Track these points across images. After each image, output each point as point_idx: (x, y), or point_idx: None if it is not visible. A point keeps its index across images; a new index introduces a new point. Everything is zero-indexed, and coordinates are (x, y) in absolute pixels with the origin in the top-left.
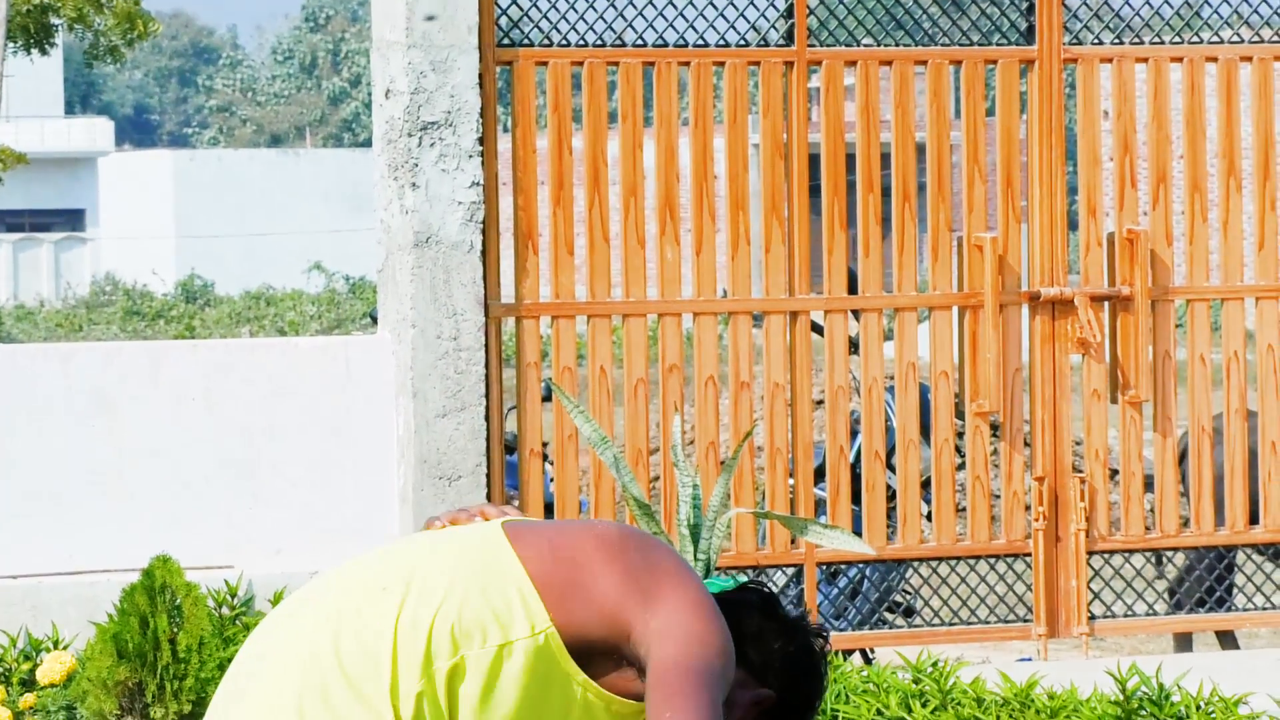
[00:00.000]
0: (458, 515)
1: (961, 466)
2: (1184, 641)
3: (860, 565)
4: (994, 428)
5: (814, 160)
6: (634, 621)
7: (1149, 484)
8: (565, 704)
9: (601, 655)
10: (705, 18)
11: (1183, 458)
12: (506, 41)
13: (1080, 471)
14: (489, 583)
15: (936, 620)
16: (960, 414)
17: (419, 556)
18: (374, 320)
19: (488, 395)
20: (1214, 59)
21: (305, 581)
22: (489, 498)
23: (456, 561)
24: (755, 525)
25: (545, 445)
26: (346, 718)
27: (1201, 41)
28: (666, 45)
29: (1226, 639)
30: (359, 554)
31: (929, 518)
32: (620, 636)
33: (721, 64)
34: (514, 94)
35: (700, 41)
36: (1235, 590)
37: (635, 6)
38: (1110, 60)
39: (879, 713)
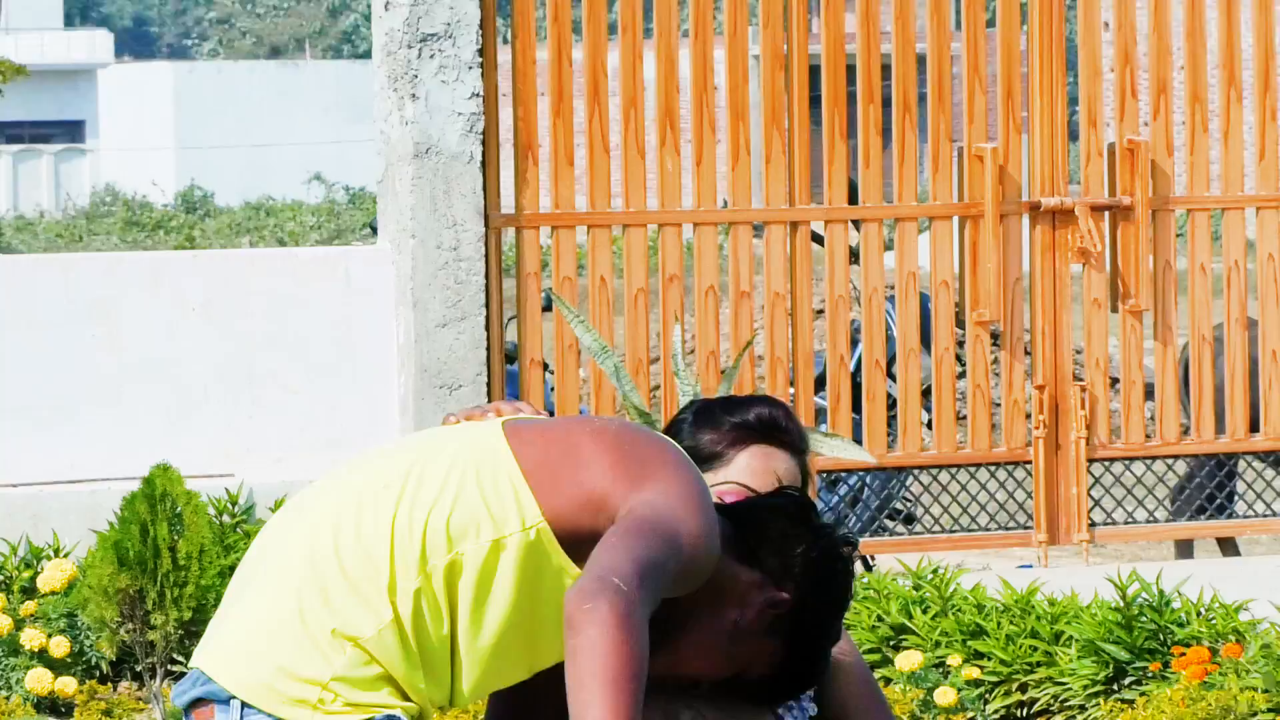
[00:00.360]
0: (472, 413)
1: (962, 375)
2: (1185, 548)
3: (861, 473)
4: (994, 337)
5: (814, 71)
6: (619, 506)
7: (1149, 392)
8: (560, 596)
9: (592, 545)
10: None
11: (1185, 370)
12: None
13: (1081, 380)
14: (484, 479)
15: (937, 527)
16: (961, 323)
17: (420, 453)
18: (374, 231)
19: (488, 305)
20: None
21: (305, 488)
22: None
23: (454, 458)
24: None
25: (547, 367)
26: (346, 616)
27: None
28: None
29: (1227, 546)
30: (366, 450)
31: (929, 426)
32: (608, 523)
33: None
34: (514, 5)
35: None
36: (1236, 497)
37: None
38: None
39: (879, 619)
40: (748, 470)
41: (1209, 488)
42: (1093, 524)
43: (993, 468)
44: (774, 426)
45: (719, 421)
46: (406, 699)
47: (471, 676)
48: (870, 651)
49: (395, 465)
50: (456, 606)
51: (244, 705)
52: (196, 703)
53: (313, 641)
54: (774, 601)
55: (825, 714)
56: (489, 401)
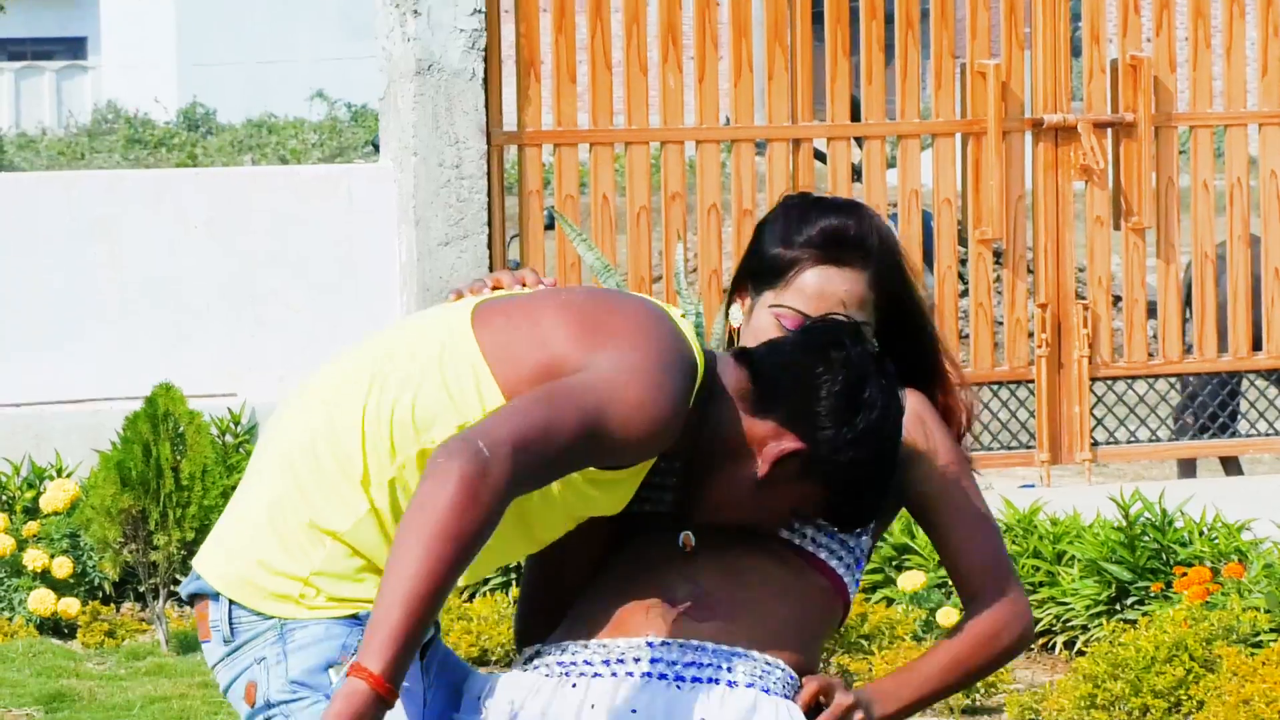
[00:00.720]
0: (475, 285)
1: (964, 294)
2: (1187, 467)
3: None
4: (997, 255)
5: None
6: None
7: (1152, 310)
8: None
9: None
10: None
11: (1188, 291)
12: None
13: (1083, 298)
14: (446, 366)
15: None
16: (963, 241)
17: (391, 344)
18: (376, 149)
19: (490, 223)
20: None
21: None
22: None
23: (421, 347)
24: None
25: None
26: (322, 510)
27: None
28: None
29: (1230, 465)
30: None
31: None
32: None
33: None
34: None
35: None
36: (1239, 416)
37: None
38: None
39: (882, 539)
40: (803, 294)
41: (1211, 406)
42: (1095, 443)
43: (995, 387)
44: (838, 243)
45: (790, 233)
46: None
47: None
48: (873, 572)
49: (366, 358)
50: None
51: (231, 601)
52: (195, 597)
53: (292, 537)
54: (782, 453)
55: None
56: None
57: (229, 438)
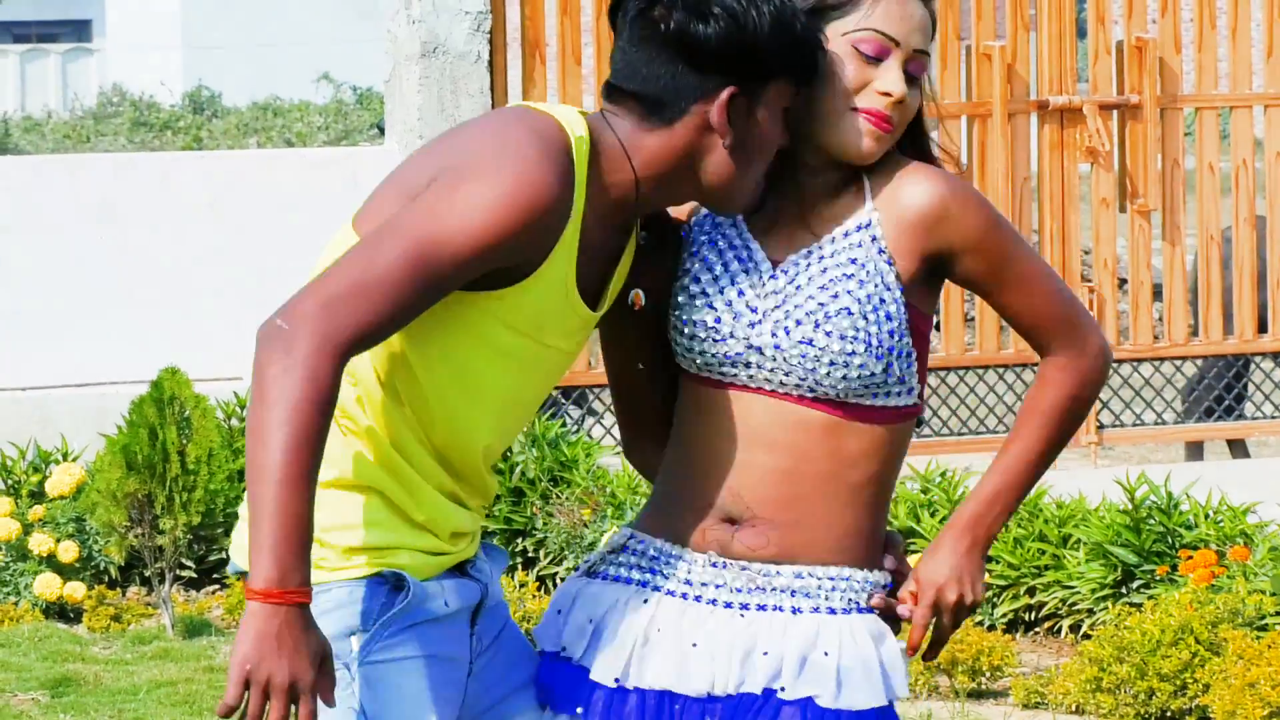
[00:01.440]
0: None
1: None
2: (1194, 450)
3: None
4: None
5: None
6: None
7: (1157, 293)
8: (454, 314)
9: None
10: None
11: (1194, 270)
12: None
13: (1089, 281)
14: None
15: (945, 430)
16: None
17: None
18: (381, 132)
19: None
20: None
21: None
22: None
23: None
24: None
25: None
26: None
27: None
28: None
29: (1236, 447)
30: None
31: (937, 328)
32: None
33: None
34: None
35: None
36: (1245, 399)
37: None
38: None
39: (888, 523)
40: (888, 14)
41: (1217, 389)
42: (1101, 426)
43: (1001, 369)
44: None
45: None
46: (420, 530)
47: (467, 439)
48: None
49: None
50: (380, 388)
51: None
52: (241, 574)
53: None
54: (722, 106)
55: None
56: None
57: (235, 421)
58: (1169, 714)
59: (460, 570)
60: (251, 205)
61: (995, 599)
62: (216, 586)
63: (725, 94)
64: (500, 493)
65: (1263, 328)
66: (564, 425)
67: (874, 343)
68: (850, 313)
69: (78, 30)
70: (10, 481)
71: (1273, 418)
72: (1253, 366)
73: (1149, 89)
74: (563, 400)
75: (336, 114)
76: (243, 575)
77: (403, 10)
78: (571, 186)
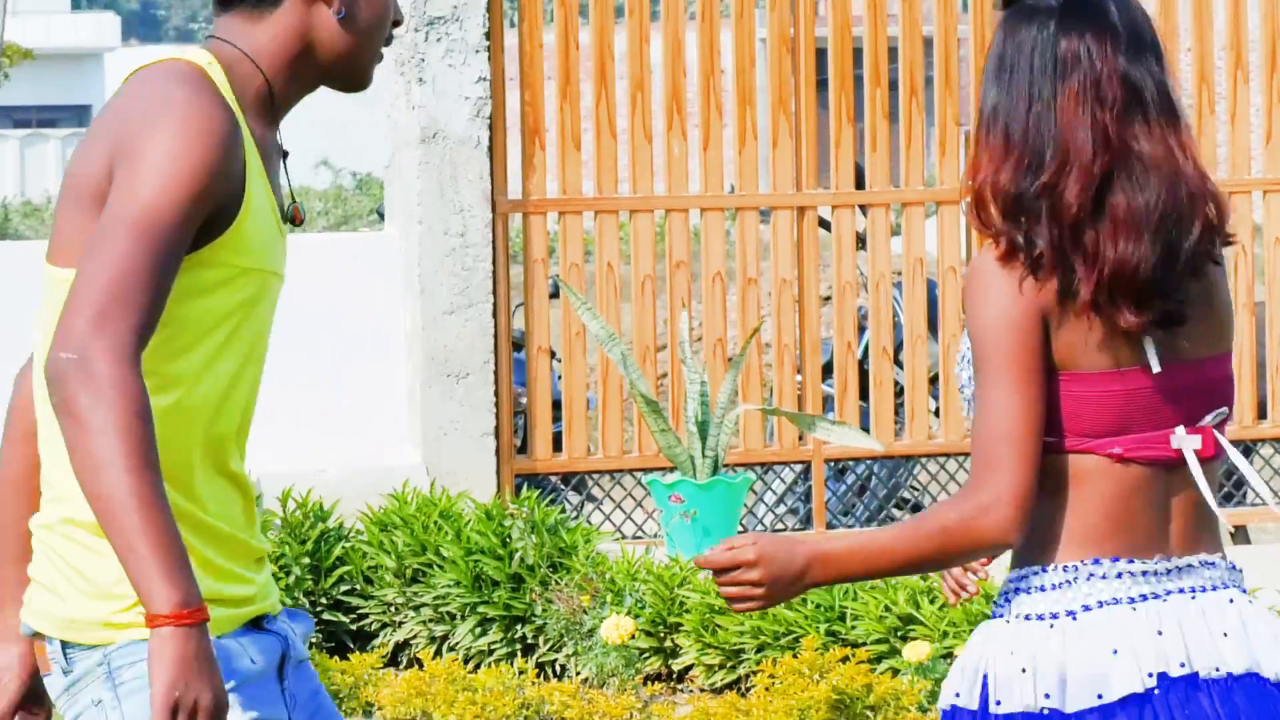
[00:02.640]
0: None
1: None
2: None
3: (868, 461)
4: None
5: (821, 54)
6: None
7: None
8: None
9: None
10: None
11: None
12: None
13: None
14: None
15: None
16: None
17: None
18: (381, 217)
19: (495, 292)
20: None
21: (312, 480)
22: (497, 395)
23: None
24: (763, 422)
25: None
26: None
27: None
28: None
29: (1237, 533)
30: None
31: (937, 414)
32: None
33: None
34: None
35: None
36: (1245, 485)
37: None
38: None
39: (887, 609)
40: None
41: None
42: None
43: None
44: None
45: None
46: (221, 569)
47: (233, 399)
48: (878, 642)
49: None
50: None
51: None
52: (34, 634)
53: (67, 547)
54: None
55: None
56: (495, 389)
57: None
58: None
59: (255, 625)
60: None
61: None
62: None
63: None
64: (500, 579)
65: (1263, 414)
66: (563, 511)
67: None
68: None
69: (78, 115)
70: None
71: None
72: (1253, 453)
73: None
74: (562, 486)
75: (336, 199)
76: (37, 635)
77: (403, 96)
78: (229, 107)
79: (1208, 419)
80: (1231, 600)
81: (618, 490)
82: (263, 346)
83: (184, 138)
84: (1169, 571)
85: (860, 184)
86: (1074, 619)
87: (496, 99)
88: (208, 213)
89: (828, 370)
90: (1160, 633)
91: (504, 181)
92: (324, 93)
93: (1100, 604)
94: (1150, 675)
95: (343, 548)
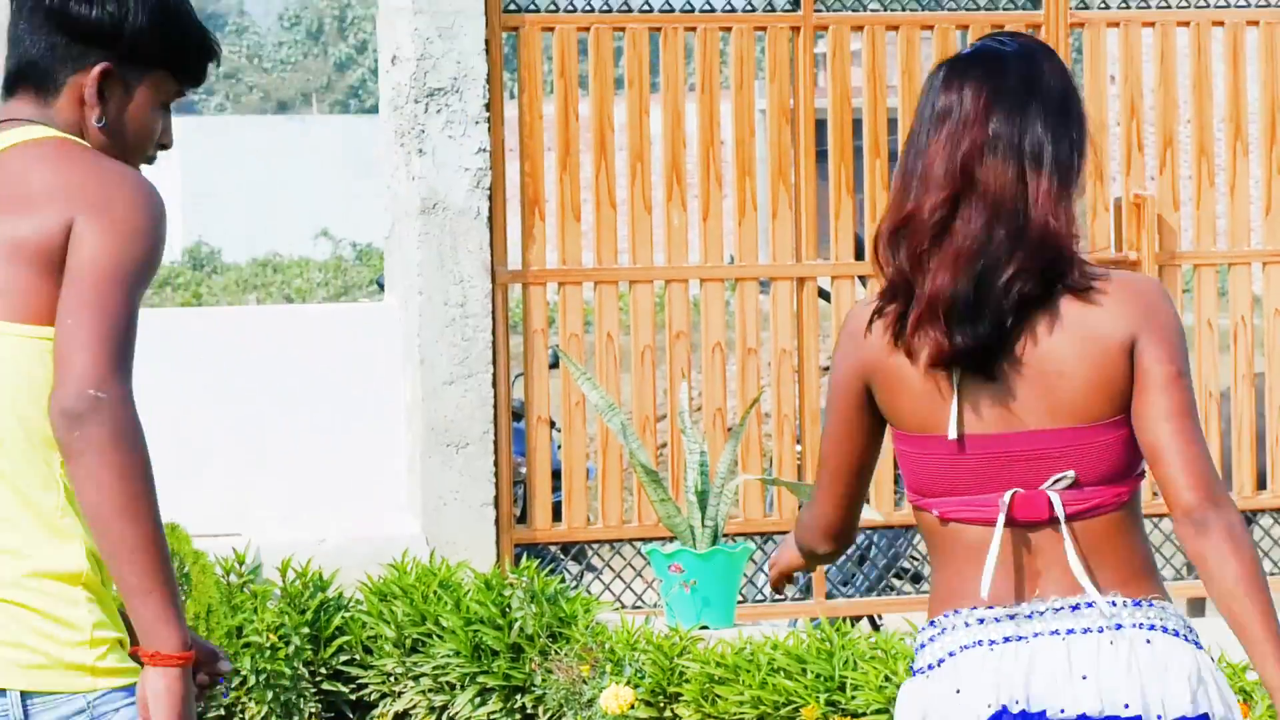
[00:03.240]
0: None
1: None
2: (1196, 607)
3: (867, 531)
4: None
5: (820, 125)
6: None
7: None
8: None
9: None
10: None
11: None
12: (513, 7)
13: None
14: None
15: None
16: None
17: None
18: (381, 287)
19: (495, 362)
20: (1220, 23)
21: (312, 549)
22: (496, 464)
23: None
24: (763, 492)
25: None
26: (52, 559)
27: (1208, 6)
28: (673, 10)
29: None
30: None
31: None
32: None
33: (728, 29)
34: (520, 60)
35: (707, 6)
36: None
37: None
38: (1116, 24)
39: (886, 679)
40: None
41: None
42: None
43: None
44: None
45: None
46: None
47: None
48: (879, 712)
49: None
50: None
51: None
52: None
53: (43, 600)
54: (95, 81)
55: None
56: (494, 459)
57: (233, 578)
58: None
59: None
60: (251, 361)
61: None
62: None
63: (98, 69)
64: (499, 649)
65: (1262, 484)
66: (563, 581)
67: None
68: None
69: None
70: None
71: (1273, 574)
72: (1253, 524)
73: (1147, 246)
74: (561, 556)
75: (336, 270)
76: None
77: (403, 167)
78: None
79: (1045, 484)
80: (1111, 642)
81: (617, 560)
82: None
83: (141, 208)
84: (1038, 614)
85: (860, 255)
86: (939, 666)
87: (496, 170)
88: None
89: None
90: (1007, 671)
91: (504, 252)
92: (323, 162)
93: (963, 648)
94: (989, 706)
95: (342, 617)
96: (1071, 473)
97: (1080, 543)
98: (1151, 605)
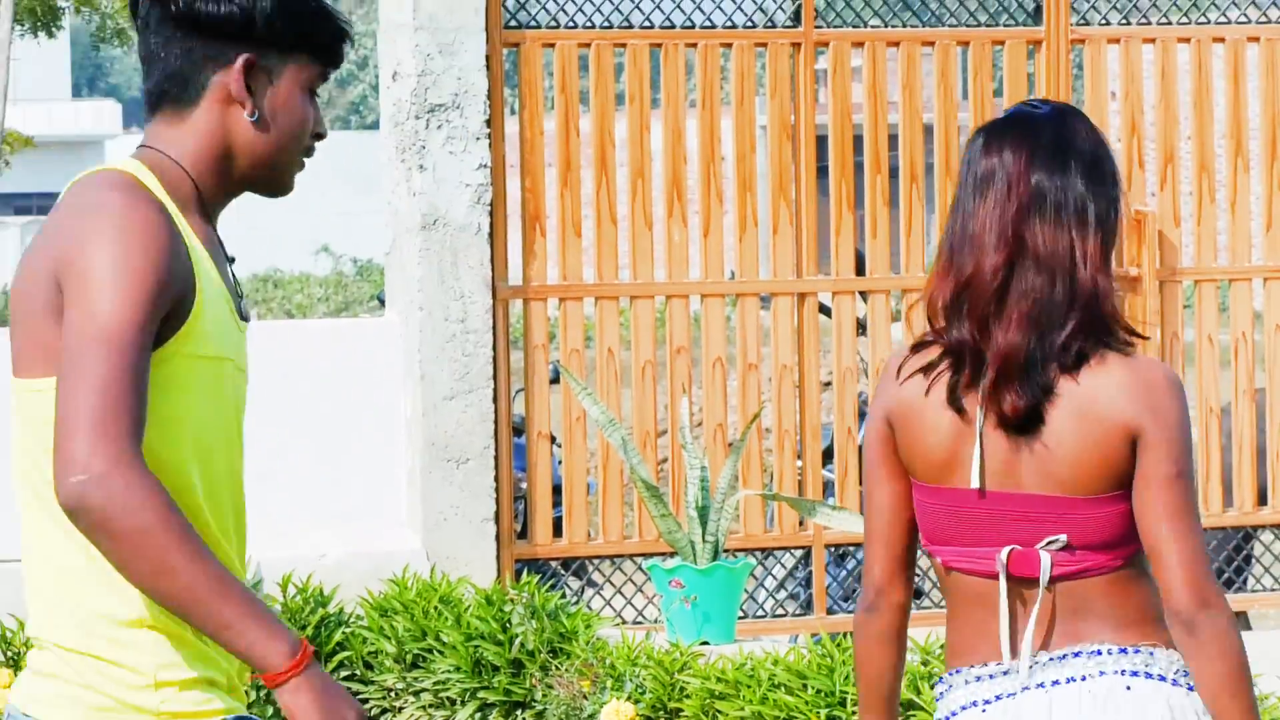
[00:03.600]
0: None
1: None
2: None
3: None
4: None
5: (821, 141)
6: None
7: None
8: None
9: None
10: None
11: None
12: (513, 23)
13: None
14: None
15: (945, 603)
16: None
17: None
18: (381, 303)
19: (495, 377)
20: (1221, 39)
21: (312, 564)
22: (497, 480)
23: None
24: (763, 507)
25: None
26: (110, 605)
27: (1209, 22)
28: (674, 27)
29: (1239, 620)
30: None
31: None
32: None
33: (728, 45)
34: (521, 76)
35: (707, 23)
36: (1245, 572)
37: None
38: (1117, 41)
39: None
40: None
41: (1218, 561)
42: None
43: None
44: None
45: None
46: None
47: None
48: None
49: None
50: None
51: None
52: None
53: (101, 641)
54: (240, 74)
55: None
56: (495, 474)
57: None
58: None
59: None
60: (251, 377)
61: None
62: None
63: (241, 61)
64: (500, 664)
65: (1263, 500)
66: (563, 596)
67: None
68: None
69: None
70: (10, 653)
71: (1273, 590)
72: (1253, 539)
73: (1148, 262)
74: (562, 571)
75: (337, 286)
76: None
77: (403, 183)
78: (162, 206)
79: (1040, 544)
80: (1090, 691)
81: (618, 575)
82: (229, 437)
83: (124, 243)
84: (1028, 668)
85: (860, 270)
86: None
87: (497, 186)
88: (165, 309)
89: (828, 455)
90: None
91: (504, 268)
92: (324, 178)
93: (961, 708)
94: None
95: (343, 633)
96: (1063, 536)
97: (1071, 598)
98: (1138, 652)
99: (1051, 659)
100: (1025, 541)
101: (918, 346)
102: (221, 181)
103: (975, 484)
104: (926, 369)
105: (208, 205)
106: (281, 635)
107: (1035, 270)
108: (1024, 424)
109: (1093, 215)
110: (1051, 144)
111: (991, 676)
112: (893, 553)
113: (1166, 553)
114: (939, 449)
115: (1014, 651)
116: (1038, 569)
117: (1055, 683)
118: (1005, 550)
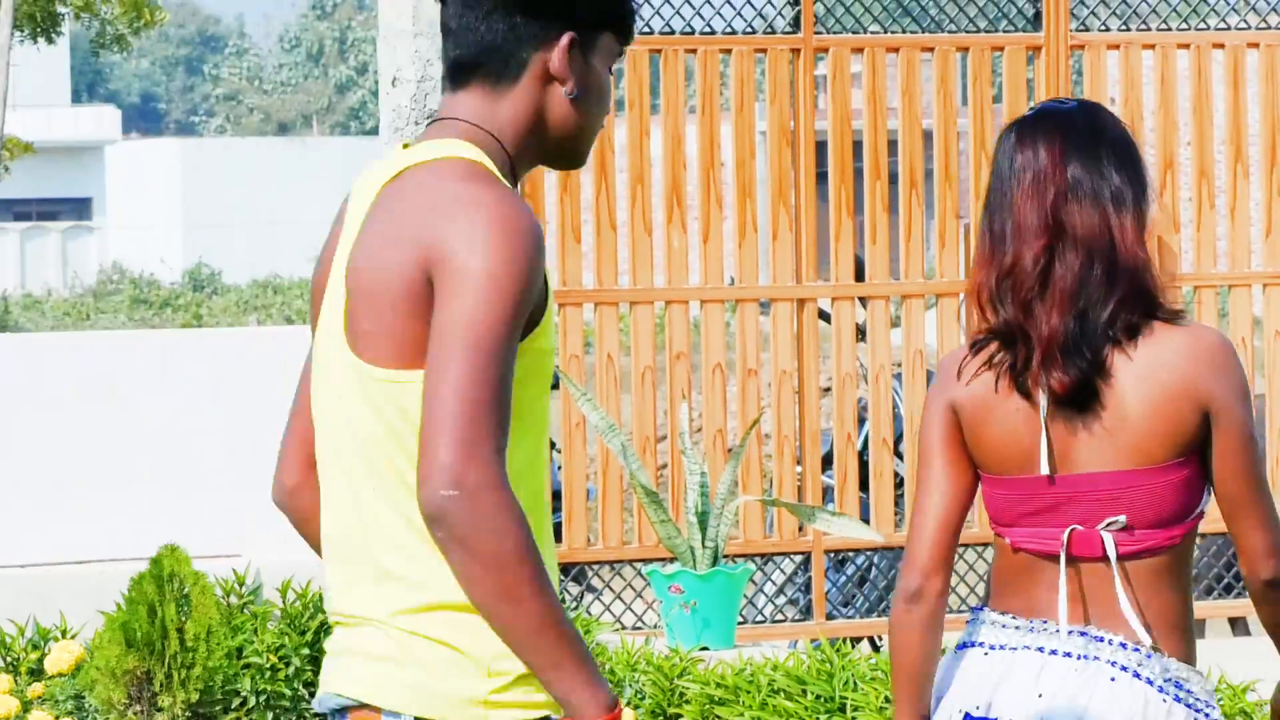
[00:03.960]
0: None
1: None
2: (1195, 628)
3: (868, 552)
4: None
5: (821, 147)
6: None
7: None
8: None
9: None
10: (712, 4)
11: None
12: None
13: None
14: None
15: (963, 608)
16: None
17: (322, 419)
18: None
19: None
20: (1221, 45)
21: (313, 570)
22: None
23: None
24: (763, 512)
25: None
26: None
27: (1208, 28)
28: (673, 33)
29: (1237, 625)
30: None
31: None
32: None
33: (728, 51)
34: None
35: (707, 29)
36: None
37: None
38: (1117, 47)
39: (887, 700)
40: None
41: (1217, 567)
42: None
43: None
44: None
45: None
46: None
47: (544, 479)
48: None
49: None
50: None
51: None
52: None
53: (448, 629)
54: (564, 52)
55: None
56: None
57: (234, 599)
58: None
59: None
60: (251, 382)
61: None
62: None
63: (565, 39)
64: None
65: None
66: (563, 601)
67: None
68: None
69: (78, 208)
70: (9, 659)
71: None
72: None
73: None
74: (562, 577)
75: None
76: (364, 707)
77: None
78: (525, 204)
79: (1100, 525)
80: (1076, 670)
81: (618, 581)
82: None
83: (504, 249)
84: (1047, 633)
85: (860, 276)
86: (958, 651)
87: None
88: (530, 309)
89: (828, 461)
90: (983, 675)
91: None
92: (324, 183)
93: (970, 644)
94: (959, 712)
95: None
96: (1123, 517)
97: (1121, 580)
98: (1137, 650)
99: (1074, 631)
100: (1087, 521)
101: (975, 346)
102: (531, 156)
103: (1045, 470)
104: (990, 364)
105: (516, 179)
106: (603, 688)
107: (1075, 252)
108: (1082, 401)
109: (1128, 198)
110: (1084, 134)
111: (1016, 628)
112: (942, 542)
113: (1250, 514)
114: (1011, 443)
115: (1049, 616)
116: (1097, 549)
117: (1054, 652)
118: (1066, 531)
